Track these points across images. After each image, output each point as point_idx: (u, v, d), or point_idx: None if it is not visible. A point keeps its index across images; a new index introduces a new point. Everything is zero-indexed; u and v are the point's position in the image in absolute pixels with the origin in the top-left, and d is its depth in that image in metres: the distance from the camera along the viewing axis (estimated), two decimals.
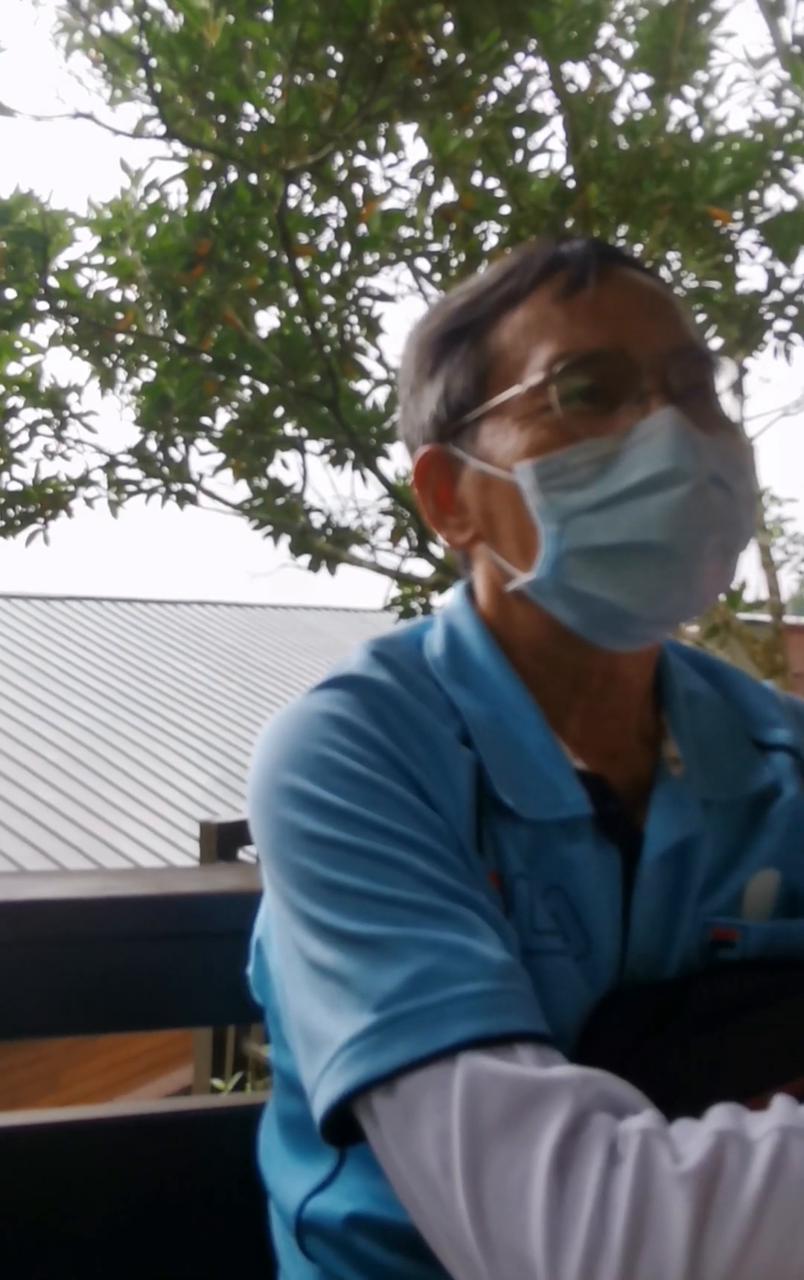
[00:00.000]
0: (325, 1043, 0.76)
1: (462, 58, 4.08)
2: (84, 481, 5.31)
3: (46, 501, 5.25)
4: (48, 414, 5.23)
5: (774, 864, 0.94)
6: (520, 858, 0.87)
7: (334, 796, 0.82)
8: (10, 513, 5.23)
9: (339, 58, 4.08)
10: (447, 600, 1.04)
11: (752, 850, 0.93)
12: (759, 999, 0.87)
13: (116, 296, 5.01)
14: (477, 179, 4.58)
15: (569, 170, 4.46)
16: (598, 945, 0.87)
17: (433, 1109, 0.70)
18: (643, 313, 0.88)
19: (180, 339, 4.96)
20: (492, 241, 4.68)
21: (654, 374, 0.85)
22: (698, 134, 4.57)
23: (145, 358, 5.17)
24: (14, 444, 5.22)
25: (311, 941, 0.79)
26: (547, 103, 4.55)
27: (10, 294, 4.83)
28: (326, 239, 4.92)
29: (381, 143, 4.57)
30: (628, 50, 4.55)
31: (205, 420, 5.22)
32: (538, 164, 4.59)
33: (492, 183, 4.58)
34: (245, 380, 5.11)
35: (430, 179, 4.58)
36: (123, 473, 5.34)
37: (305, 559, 5.35)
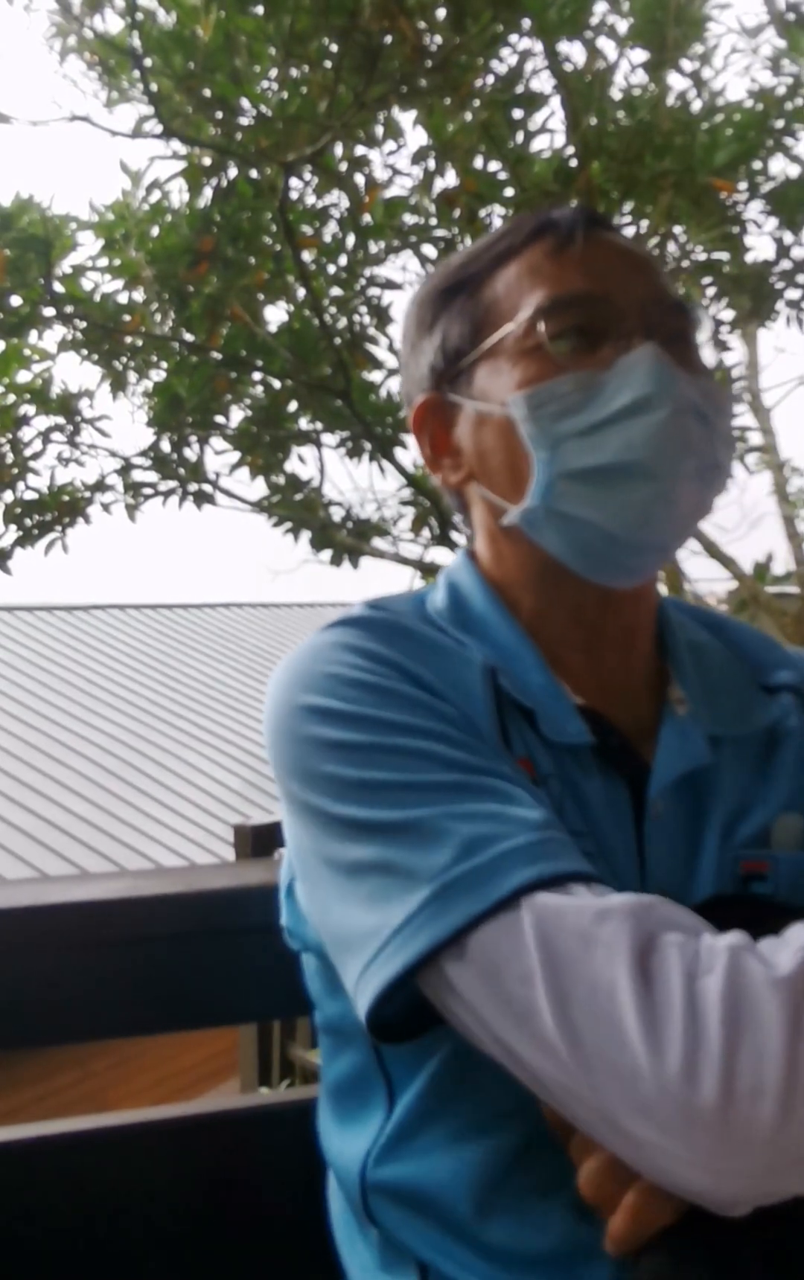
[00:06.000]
0: (373, 935, 0.78)
1: (456, 41, 4.06)
2: (100, 487, 5.28)
3: (63, 509, 5.24)
4: (60, 420, 5.20)
5: (795, 807, 0.97)
6: (550, 764, 0.90)
7: (349, 705, 0.85)
8: (27, 522, 5.21)
9: (333, 48, 4.06)
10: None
11: (770, 788, 0.97)
12: None
13: (123, 298, 5.00)
14: (478, 162, 4.56)
15: (570, 149, 4.43)
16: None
17: (510, 955, 0.72)
18: (625, 267, 0.96)
19: (189, 337, 4.95)
20: (496, 224, 4.65)
21: (636, 318, 0.93)
22: (697, 106, 4.55)
23: (155, 358, 5.15)
24: (28, 452, 5.20)
25: (352, 845, 0.81)
26: (544, 82, 4.51)
27: (16, 301, 4.82)
28: (331, 230, 4.92)
29: (380, 131, 4.55)
30: (623, 26, 4.52)
31: (218, 418, 5.21)
32: (539, 144, 4.58)
33: (493, 165, 4.56)
34: (257, 376, 5.11)
35: (432, 165, 4.56)
36: (138, 475, 5.32)
37: (327, 554, 5.34)
